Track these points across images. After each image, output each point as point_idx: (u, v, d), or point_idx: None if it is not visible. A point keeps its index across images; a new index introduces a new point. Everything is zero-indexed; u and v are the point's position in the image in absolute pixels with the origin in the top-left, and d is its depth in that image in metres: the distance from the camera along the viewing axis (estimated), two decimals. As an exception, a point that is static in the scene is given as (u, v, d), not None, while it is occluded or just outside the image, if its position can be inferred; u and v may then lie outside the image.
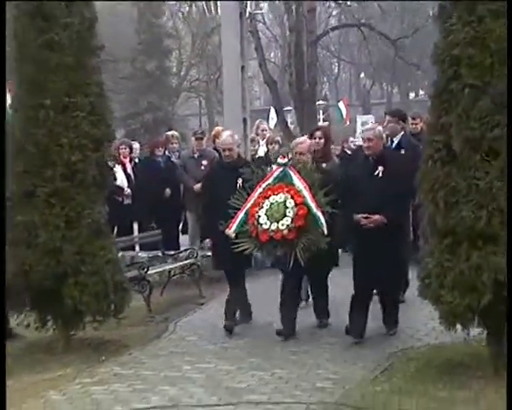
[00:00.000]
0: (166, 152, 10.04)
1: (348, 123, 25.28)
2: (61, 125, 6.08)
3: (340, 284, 6.93)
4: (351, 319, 6.31)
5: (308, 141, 6.86)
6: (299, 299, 6.94)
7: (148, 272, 7.87)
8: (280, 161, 6.27)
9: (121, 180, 9.60)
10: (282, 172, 6.23)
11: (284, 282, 6.63)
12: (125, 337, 6.68)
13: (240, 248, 6.14)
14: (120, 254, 7.19)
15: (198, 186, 8.72)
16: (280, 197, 6.06)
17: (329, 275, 6.87)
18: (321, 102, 26.08)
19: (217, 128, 10.34)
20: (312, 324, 6.87)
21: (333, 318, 6.87)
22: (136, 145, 10.77)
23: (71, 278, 6.07)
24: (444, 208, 4.98)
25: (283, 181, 6.18)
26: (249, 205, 6.19)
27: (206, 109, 36.72)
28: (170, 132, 11.07)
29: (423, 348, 6.03)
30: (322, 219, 5.94)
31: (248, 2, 10.63)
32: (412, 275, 6.13)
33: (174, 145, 10.25)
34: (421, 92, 40.04)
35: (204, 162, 9.26)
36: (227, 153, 6.94)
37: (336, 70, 45.97)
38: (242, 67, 10.34)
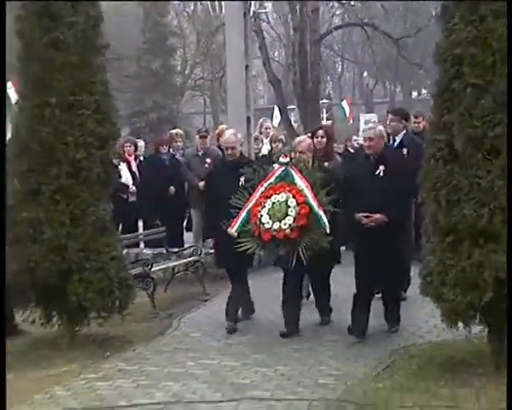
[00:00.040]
0: (171, 150, 10.09)
1: (351, 122, 25.27)
2: (67, 123, 6.13)
3: (343, 281, 6.95)
4: (353, 318, 6.33)
5: (308, 140, 6.89)
6: (301, 297, 6.97)
7: (153, 269, 7.93)
8: (282, 160, 6.29)
9: (126, 178, 9.66)
10: (283, 171, 6.25)
11: (286, 281, 6.65)
12: (130, 333, 6.73)
13: (242, 248, 6.16)
14: (125, 251, 7.25)
15: (202, 184, 8.77)
16: (282, 197, 6.08)
17: (332, 273, 6.90)
18: (324, 100, 26.05)
19: (221, 126, 10.38)
20: (315, 321, 6.90)
21: (335, 315, 6.90)
22: (140, 143, 10.82)
23: (75, 275, 6.12)
24: (446, 207, 5.01)
25: (285, 180, 6.19)
26: (251, 204, 6.22)
27: (210, 108, 36.77)
28: (174, 130, 11.13)
29: (425, 345, 6.06)
30: (325, 219, 5.96)
31: (252, 1, 10.63)
32: (414, 273, 6.15)
33: (178, 143, 10.31)
34: (423, 91, 40.01)
35: (208, 160, 9.31)
36: (230, 151, 6.98)
37: (340, 69, 45.95)
38: (246, 66, 10.38)
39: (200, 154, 9.64)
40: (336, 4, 31.25)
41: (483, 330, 5.26)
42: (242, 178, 6.59)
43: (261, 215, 6.09)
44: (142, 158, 10.46)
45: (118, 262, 6.30)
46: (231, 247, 6.25)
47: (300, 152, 6.53)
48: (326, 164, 6.87)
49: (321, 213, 5.98)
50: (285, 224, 5.97)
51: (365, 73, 45.07)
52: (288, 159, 6.28)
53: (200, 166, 9.36)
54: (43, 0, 6.14)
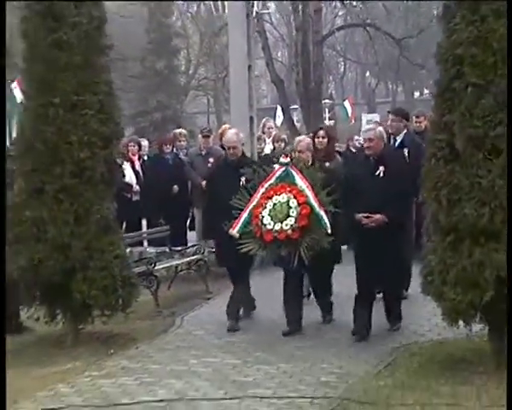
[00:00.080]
0: (174, 149, 10.13)
1: (353, 121, 25.29)
2: (70, 123, 6.17)
3: (345, 280, 6.97)
4: (355, 319, 6.35)
5: (307, 139, 6.92)
6: (302, 297, 6.98)
7: (156, 268, 7.97)
8: (282, 160, 6.30)
9: (130, 177, 9.71)
10: (284, 171, 6.27)
11: (286, 280, 6.66)
12: (133, 331, 6.77)
13: (245, 249, 6.19)
14: (129, 249, 7.30)
15: (205, 183, 8.79)
16: (283, 197, 6.10)
17: (334, 271, 6.94)
18: (327, 100, 26.04)
19: (224, 126, 10.42)
20: (317, 320, 6.93)
21: (337, 314, 6.93)
22: (144, 143, 10.86)
23: (79, 273, 6.16)
24: (447, 206, 5.04)
25: (285, 181, 6.21)
26: (252, 205, 6.23)
27: (214, 107, 36.79)
28: (177, 130, 11.17)
29: (426, 343, 6.08)
30: (326, 219, 5.98)
31: (255, 2, 10.65)
32: (415, 272, 6.18)
33: (182, 143, 10.35)
34: (425, 91, 39.93)
35: (211, 160, 9.34)
36: (231, 151, 7.02)
37: (342, 69, 45.92)
38: (249, 67, 10.40)
39: (203, 153, 9.69)
40: (339, 5, 31.25)
41: (483, 328, 5.30)
42: (243, 178, 6.63)
43: (263, 216, 6.11)
44: (145, 157, 10.51)
45: (121, 261, 6.35)
46: (232, 247, 6.28)
47: (299, 151, 6.55)
48: (327, 164, 6.90)
49: (322, 213, 6.00)
50: (286, 224, 6.00)
51: (367, 73, 45.05)
52: (288, 159, 6.30)
53: (203, 166, 9.40)
54: (46, 0, 6.19)
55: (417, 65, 29.56)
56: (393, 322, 6.55)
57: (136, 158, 10.04)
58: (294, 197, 6.07)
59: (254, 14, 10.70)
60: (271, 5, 30.98)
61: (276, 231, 6.03)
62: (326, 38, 25.45)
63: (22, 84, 6.60)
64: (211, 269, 8.73)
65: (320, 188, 6.13)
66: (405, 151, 7.57)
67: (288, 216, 6.02)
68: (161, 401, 5.00)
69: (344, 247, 7.12)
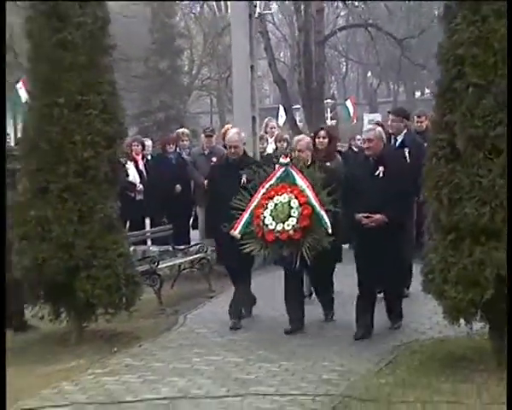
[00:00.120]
0: (177, 149, 10.18)
1: (355, 121, 25.32)
2: (75, 122, 6.21)
3: (346, 279, 7.02)
4: (357, 320, 6.36)
5: (307, 138, 6.93)
6: (303, 296, 7.01)
7: (159, 266, 8.02)
8: (282, 160, 6.33)
9: (133, 176, 9.77)
10: (284, 172, 6.29)
11: (287, 280, 6.68)
12: (137, 329, 6.80)
13: (247, 250, 6.22)
14: (132, 248, 7.34)
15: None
16: (284, 198, 6.12)
17: (335, 270, 6.95)
18: (329, 100, 26.07)
19: (226, 126, 10.47)
20: (319, 318, 6.96)
21: (339, 313, 6.96)
22: (148, 142, 10.92)
23: (83, 272, 6.20)
24: (448, 205, 5.06)
25: (286, 181, 6.23)
26: (253, 206, 6.25)
27: (217, 107, 36.87)
28: (180, 130, 11.23)
29: (427, 341, 6.11)
30: (326, 219, 6.01)
31: (258, 2, 10.69)
32: (416, 271, 6.21)
33: (185, 142, 10.40)
34: (426, 91, 39.90)
35: (214, 159, 9.37)
36: (233, 150, 7.06)
37: (344, 69, 45.94)
38: (252, 67, 10.44)
39: (205, 153, 9.75)
40: (341, 5, 31.28)
41: (484, 326, 5.33)
42: (244, 177, 6.66)
43: (264, 217, 6.13)
44: (149, 157, 10.56)
45: (125, 259, 6.38)
46: (233, 247, 6.31)
47: (299, 151, 6.57)
48: (328, 164, 6.92)
49: (323, 213, 6.03)
50: (288, 225, 6.02)
51: (369, 74, 45.06)
52: (288, 159, 6.32)
53: (205, 165, 9.43)
54: (51, 0, 6.23)
55: (419, 65, 29.59)
56: (394, 320, 6.58)
57: (139, 157, 10.09)
58: (296, 197, 6.09)
59: (257, 14, 10.74)
60: (274, 6, 30.98)
61: (278, 231, 6.05)
62: (328, 38, 25.50)
63: (27, 84, 6.63)
64: (214, 268, 8.77)
65: (320, 188, 6.15)
66: (406, 151, 7.60)
67: (290, 216, 6.04)
68: (164, 398, 5.02)
69: (345, 246, 7.15)
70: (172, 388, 5.24)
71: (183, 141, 10.36)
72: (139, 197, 9.82)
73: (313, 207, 6.05)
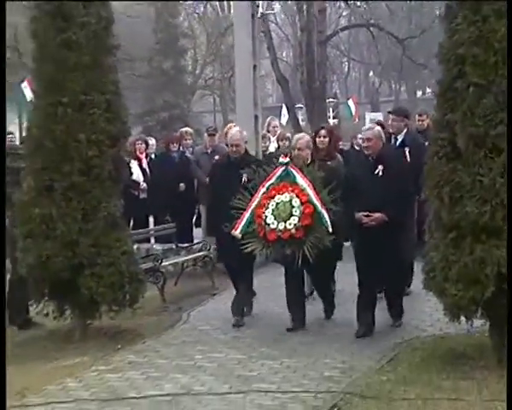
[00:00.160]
0: (181, 148, 10.23)
1: (357, 120, 25.32)
2: (79, 121, 6.25)
3: (347, 277, 7.05)
4: (358, 320, 6.38)
5: (307, 137, 6.95)
6: (305, 297, 7.02)
7: (163, 264, 8.06)
8: (281, 160, 6.34)
9: (137, 175, 9.80)
10: (284, 171, 6.31)
11: (288, 279, 6.69)
12: (140, 327, 6.84)
13: (248, 249, 6.25)
14: (136, 246, 7.39)
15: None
16: (285, 197, 6.14)
17: (337, 268, 6.99)
18: (331, 99, 26.06)
19: (229, 125, 10.50)
20: (320, 315, 6.99)
21: (340, 310, 6.99)
22: (151, 141, 10.96)
23: (87, 270, 6.24)
24: (449, 203, 5.09)
25: (286, 180, 6.25)
26: (254, 205, 6.27)
27: (220, 107, 36.92)
28: (184, 129, 11.27)
29: (428, 338, 6.14)
30: (327, 217, 6.03)
31: (260, 2, 10.73)
32: (417, 268, 6.24)
33: (188, 141, 10.44)
34: (428, 90, 39.90)
35: (216, 158, 9.42)
36: (234, 149, 7.09)
37: (346, 69, 45.96)
38: (254, 66, 10.48)
39: (208, 151, 9.79)
40: (343, 5, 31.29)
41: (484, 324, 5.35)
42: (245, 176, 6.69)
43: (266, 216, 6.15)
44: (152, 155, 10.60)
45: (128, 257, 6.42)
46: (234, 246, 6.34)
47: (299, 149, 6.59)
48: (328, 163, 6.95)
49: (323, 211, 6.05)
50: (290, 224, 6.05)
51: (371, 73, 45.05)
52: (287, 159, 6.34)
53: (208, 164, 9.43)
54: (56, 0, 6.26)
55: (420, 65, 29.60)
56: (395, 318, 6.61)
57: (143, 156, 10.13)
58: (297, 196, 6.11)
59: (259, 14, 10.79)
60: (276, 6, 31.02)
61: (280, 230, 6.07)
62: (330, 38, 25.51)
63: (32, 84, 6.67)
64: (216, 265, 8.80)
65: (321, 186, 6.17)
66: (406, 150, 7.61)
67: (291, 215, 6.06)
68: (167, 395, 5.05)
69: (347, 243, 7.17)
70: (175, 384, 5.26)
71: (186, 140, 10.41)
72: (143, 196, 9.87)
73: (315, 206, 6.07)
